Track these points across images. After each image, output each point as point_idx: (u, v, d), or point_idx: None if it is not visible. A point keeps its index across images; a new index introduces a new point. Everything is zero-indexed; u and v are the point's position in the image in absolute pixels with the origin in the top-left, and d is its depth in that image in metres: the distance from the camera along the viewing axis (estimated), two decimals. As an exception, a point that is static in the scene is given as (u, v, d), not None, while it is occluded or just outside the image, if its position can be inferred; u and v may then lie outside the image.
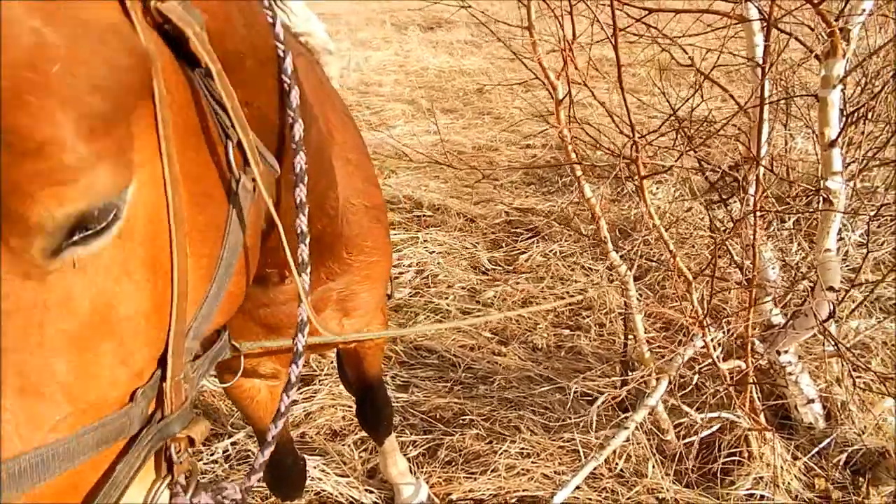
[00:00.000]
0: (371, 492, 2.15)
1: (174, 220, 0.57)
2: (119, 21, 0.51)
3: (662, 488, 2.03)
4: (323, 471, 2.19)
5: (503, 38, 2.35)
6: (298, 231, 0.88)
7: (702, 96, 2.02)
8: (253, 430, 1.87)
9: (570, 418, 2.32)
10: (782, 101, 2.34)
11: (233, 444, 2.34)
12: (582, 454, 2.17)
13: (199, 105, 0.63)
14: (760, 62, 1.67)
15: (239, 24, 0.71)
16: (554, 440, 2.27)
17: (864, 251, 2.27)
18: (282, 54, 0.81)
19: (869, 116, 1.97)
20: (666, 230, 1.91)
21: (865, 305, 2.49)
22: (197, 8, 0.61)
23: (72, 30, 0.46)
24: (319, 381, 2.65)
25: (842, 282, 1.86)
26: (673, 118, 1.95)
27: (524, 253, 3.48)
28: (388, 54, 7.57)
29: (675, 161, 1.92)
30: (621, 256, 2.14)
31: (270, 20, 0.81)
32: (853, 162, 2.00)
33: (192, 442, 0.63)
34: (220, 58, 0.65)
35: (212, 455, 2.30)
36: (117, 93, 0.49)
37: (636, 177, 1.79)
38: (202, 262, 0.63)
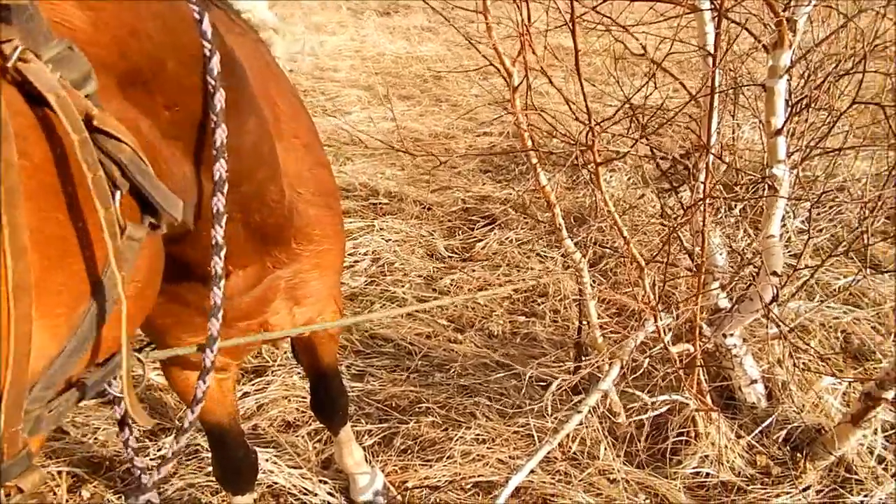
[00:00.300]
0: (325, 482, 2.12)
1: (14, 291, 0.53)
2: None
3: (614, 469, 2.07)
4: (275, 463, 2.15)
5: (459, 25, 2.31)
6: (213, 242, 0.86)
7: (655, 85, 2.05)
8: (200, 422, 1.81)
9: (525, 404, 2.34)
10: (731, 91, 2.39)
11: (181, 437, 2.27)
12: (536, 438, 2.19)
13: (72, 160, 0.58)
14: (711, 51, 1.70)
15: (152, 30, 0.67)
16: (509, 426, 2.28)
17: (805, 237, 2.36)
18: (208, 53, 0.76)
19: (812, 106, 2.04)
20: (620, 217, 1.94)
21: (805, 289, 2.60)
22: (92, 27, 0.57)
23: None
24: (272, 371, 2.59)
25: (784, 267, 1.93)
26: (627, 106, 1.97)
27: (481, 241, 3.48)
28: (344, 39, 7.41)
29: (630, 149, 1.94)
30: (576, 244, 2.16)
31: (197, 16, 0.76)
32: (796, 151, 2.07)
33: (20, 490, 0.60)
34: (129, 69, 0.62)
35: (159, 450, 2.22)
36: None
37: (591, 164, 1.80)
38: (58, 321, 0.60)
